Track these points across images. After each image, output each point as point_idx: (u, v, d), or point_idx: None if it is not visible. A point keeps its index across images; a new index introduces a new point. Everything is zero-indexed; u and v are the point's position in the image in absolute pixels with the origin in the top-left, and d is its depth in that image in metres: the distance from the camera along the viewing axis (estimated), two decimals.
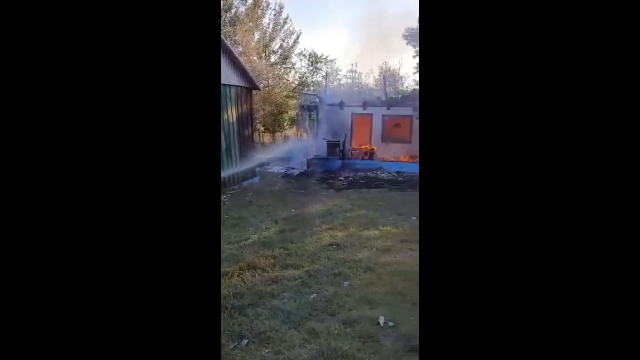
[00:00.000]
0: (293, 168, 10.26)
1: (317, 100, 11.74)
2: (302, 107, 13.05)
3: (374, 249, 4.02)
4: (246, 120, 8.43)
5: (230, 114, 7.56)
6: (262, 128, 22.15)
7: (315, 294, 2.97)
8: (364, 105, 11.21)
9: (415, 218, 5.37)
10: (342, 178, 9.27)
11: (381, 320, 2.56)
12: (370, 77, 22.93)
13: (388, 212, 5.78)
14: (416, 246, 4.09)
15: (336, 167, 10.03)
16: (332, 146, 10.34)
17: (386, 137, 11.19)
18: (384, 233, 4.61)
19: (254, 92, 8.92)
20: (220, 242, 3.84)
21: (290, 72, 22.91)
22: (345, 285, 3.15)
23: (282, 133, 20.71)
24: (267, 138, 19.64)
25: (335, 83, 21.86)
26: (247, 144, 8.57)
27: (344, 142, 10.43)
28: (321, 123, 11.28)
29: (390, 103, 11.34)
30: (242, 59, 20.90)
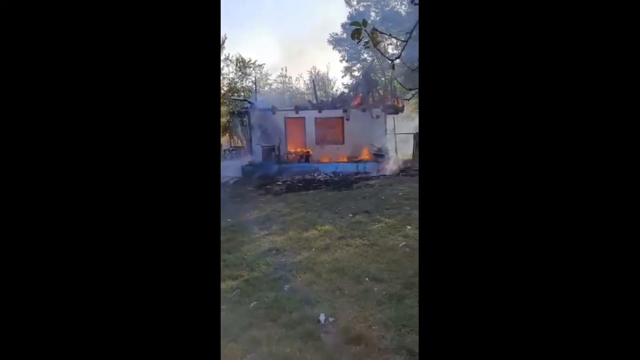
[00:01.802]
0: (227, 176, 9.91)
1: (248, 106, 11.55)
2: (232, 114, 12.71)
3: (313, 249, 4.08)
4: None
5: None
6: None
7: (255, 302, 2.91)
8: (296, 109, 11.34)
9: (351, 215, 5.58)
10: (280, 182, 9.23)
11: (321, 317, 2.60)
12: (300, 82, 23.30)
13: (326, 211, 5.90)
14: (352, 241, 4.25)
15: (273, 172, 9.96)
16: (268, 151, 10.26)
17: (320, 140, 11.45)
18: (322, 232, 4.70)
19: None
20: None
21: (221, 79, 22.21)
22: (285, 289, 3.14)
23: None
24: None
25: (266, 88, 21.73)
26: None
27: (279, 147, 10.41)
28: (254, 129, 11.11)
29: (321, 106, 11.63)
30: None
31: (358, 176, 9.44)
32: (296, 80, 23.79)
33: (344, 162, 10.56)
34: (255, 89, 13.63)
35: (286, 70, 23.32)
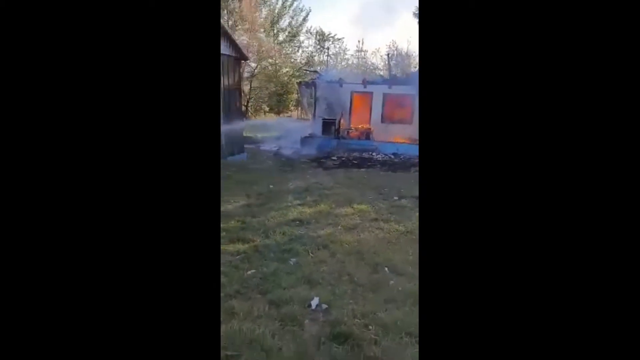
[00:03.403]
0: (284, 146, 9.86)
1: (316, 77, 11.22)
2: (299, 84, 12.53)
3: (339, 227, 3.66)
4: (234, 93, 8.01)
5: None
6: (267, 108, 21.77)
7: (253, 270, 2.64)
8: (364, 82, 10.64)
9: (396, 198, 4.97)
10: (334, 158, 8.85)
11: (314, 302, 2.21)
12: (377, 57, 22.00)
13: (370, 191, 5.38)
14: (385, 225, 3.73)
15: (330, 147, 9.59)
16: (327, 125, 9.87)
17: (386, 118, 10.64)
18: (357, 211, 4.24)
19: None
20: None
21: (298, 51, 22.28)
22: (291, 263, 2.81)
23: (288, 114, 20.27)
24: (272, 118, 19.21)
25: (343, 63, 21.12)
26: (234, 118, 8.19)
27: (339, 121, 9.95)
28: (319, 101, 10.78)
29: (392, 81, 10.74)
30: (247, 36, 20.34)
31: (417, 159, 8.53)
32: (372, 54, 22.50)
33: (407, 143, 9.68)
34: (327, 61, 13.19)
35: (362, 43, 22.22)
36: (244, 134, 12.87)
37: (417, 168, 7.66)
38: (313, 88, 11.02)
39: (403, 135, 10.15)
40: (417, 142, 9.93)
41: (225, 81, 7.50)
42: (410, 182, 6.14)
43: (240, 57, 8.00)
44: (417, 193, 5.29)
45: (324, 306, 2.19)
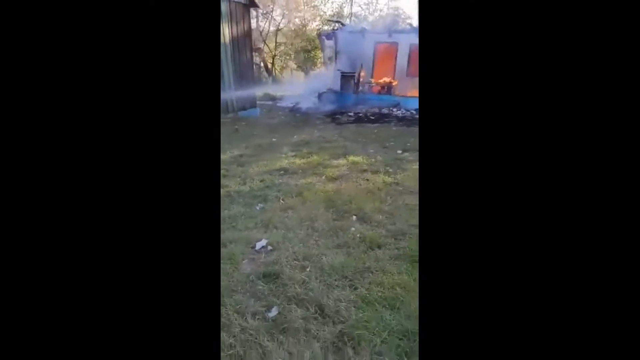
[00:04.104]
0: (304, 103, 9.57)
1: (338, 28, 10.50)
2: (319, 36, 11.86)
3: (323, 177, 3.50)
4: (243, 44, 7.71)
5: (221, 34, 6.89)
6: (294, 65, 21.17)
7: None
8: (389, 32, 9.80)
9: (400, 151, 4.66)
10: (351, 113, 8.47)
11: (260, 243, 2.13)
12: (412, 5, 20.05)
13: (374, 144, 5.09)
14: (373, 176, 3.52)
15: (350, 102, 9.16)
16: (346, 78, 9.34)
17: (413, 71, 9.85)
18: (349, 163, 4.02)
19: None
20: None
21: (327, 3, 20.96)
22: (257, 208, 2.73)
23: (316, 71, 19.57)
24: (300, 76, 18.68)
25: (375, 14, 19.63)
26: (245, 71, 7.97)
27: (359, 74, 9.38)
28: (340, 54, 10.17)
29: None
30: None
31: None
32: (407, 2, 20.45)
33: None
34: (351, 11, 12.18)
35: None
36: (266, 92, 12.72)
37: None
38: (335, 39, 10.37)
39: None
40: None
41: (232, 31, 7.20)
42: None
43: (249, 3, 7.59)
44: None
45: (270, 248, 2.10)
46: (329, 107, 9.01)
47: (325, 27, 16.99)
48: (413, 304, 1.55)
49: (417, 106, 8.67)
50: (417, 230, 2.32)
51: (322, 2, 20.80)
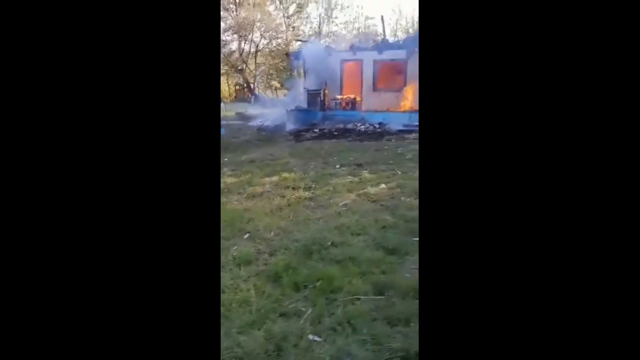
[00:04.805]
0: (272, 119, 9.74)
1: (305, 47, 10.78)
2: (287, 56, 12.16)
3: (244, 195, 3.55)
4: None
5: None
6: (278, 84, 21.57)
7: None
8: (352, 49, 10.08)
9: (338, 166, 4.74)
10: (316, 130, 8.59)
11: None
12: (387, 22, 20.57)
13: (318, 160, 5.19)
14: (293, 192, 3.57)
15: (316, 119, 9.31)
16: (313, 96, 9.55)
17: (378, 86, 10.07)
18: (280, 179, 4.09)
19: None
20: None
21: (307, 23, 21.56)
22: None
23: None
24: (282, 93, 19.00)
25: (354, 32, 20.15)
26: None
27: (324, 91, 9.58)
28: (309, 72, 10.41)
29: (383, 47, 10.06)
30: (256, 10, 19.75)
31: (402, 129, 8.03)
32: (369, 19, 20.99)
33: (394, 112, 9.13)
34: (320, 30, 12.56)
35: (362, 8, 20.78)
36: (240, 110, 12.94)
37: (391, 137, 7.26)
38: (303, 58, 10.64)
39: (397, 104, 9.59)
40: (408, 110, 9.25)
41: None
42: (369, 151, 5.82)
43: None
44: (365, 160, 5.01)
45: None
46: (296, 124, 9.16)
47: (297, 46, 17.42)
48: (238, 321, 1.58)
49: (379, 120, 8.83)
50: (296, 244, 2.36)
51: (302, 22, 21.39)
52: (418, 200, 0.81)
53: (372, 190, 3.55)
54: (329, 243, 2.33)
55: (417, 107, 9.11)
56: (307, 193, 3.51)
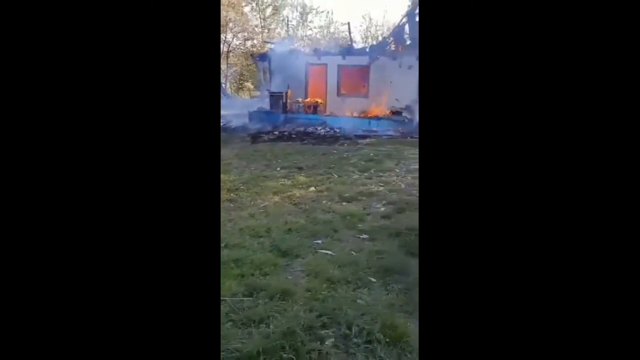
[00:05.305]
0: (233, 121, 9.65)
1: (271, 49, 10.79)
2: (253, 57, 12.14)
3: None
4: None
5: None
6: (251, 86, 21.45)
7: None
8: (317, 54, 10.17)
9: (279, 168, 4.74)
10: (276, 132, 8.59)
11: None
12: (358, 29, 20.94)
13: (261, 162, 5.17)
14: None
15: (278, 121, 9.31)
16: (275, 98, 9.55)
17: (342, 90, 10.19)
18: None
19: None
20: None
21: (283, 26, 21.58)
22: None
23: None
24: (255, 95, 18.89)
25: (328, 37, 20.34)
26: None
27: (286, 94, 9.60)
28: (274, 74, 10.41)
29: (347, 52, 10.20)
30: (230, 10, 19.58)
31: (359, 133, 8.15)
32: (343, 25, 21.34)
33: (357, 117, 9.26)
34: (293, 32, 12.59)
35: (332, 13, 21.11)
36: None
37: (345, 141, 7.35)
38: (268, 60, 10.64)
39: (360, 109, 9.73)
40: (368, 115, 9.42)
41: None
42: (317, 154, 5.86)
43: None
44: (307, 163, 5.04)
45: None
46: (257, 125, 9.12)
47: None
48: None
49: (340, 125, 8.93)
50: None
51: (277, 25, 21.40)
52: (419, 202, 0.82)
53: (297, 193, 3.57)
54: (223, 245, 2.32)
55: (381, 114, 9.32)
56: (230, 194, 3.48)
